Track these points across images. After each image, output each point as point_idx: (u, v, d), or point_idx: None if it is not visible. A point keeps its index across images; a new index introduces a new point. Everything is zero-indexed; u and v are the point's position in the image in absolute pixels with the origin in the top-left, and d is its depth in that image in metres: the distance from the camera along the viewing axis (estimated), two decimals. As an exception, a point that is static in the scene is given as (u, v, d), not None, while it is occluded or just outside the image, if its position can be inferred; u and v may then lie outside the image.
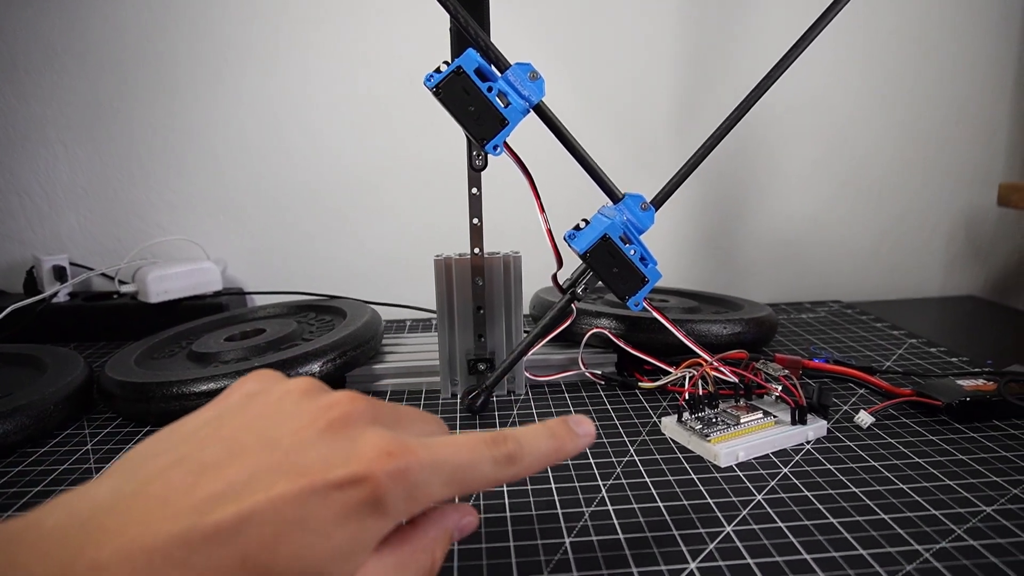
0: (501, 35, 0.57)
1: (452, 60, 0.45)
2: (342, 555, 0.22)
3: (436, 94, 0.39)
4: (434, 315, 0.55)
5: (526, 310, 0.69)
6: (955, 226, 0.83)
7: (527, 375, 0.54)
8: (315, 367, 0.50)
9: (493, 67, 0.41)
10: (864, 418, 0.46)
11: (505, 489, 0.39)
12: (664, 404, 0.51)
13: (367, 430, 0.24)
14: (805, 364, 0.51)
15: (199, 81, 0.73)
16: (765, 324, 0.59)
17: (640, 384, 0.53)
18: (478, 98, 0.39)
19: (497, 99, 0.40)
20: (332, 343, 0.52)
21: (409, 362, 0.56)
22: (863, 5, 0.75)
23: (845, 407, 0.49)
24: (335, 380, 0.53)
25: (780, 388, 0.45)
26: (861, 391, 0.51)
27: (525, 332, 0.52)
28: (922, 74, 0.78)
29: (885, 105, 0.79)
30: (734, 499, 0.37)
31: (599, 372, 0.55)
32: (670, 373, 0.51)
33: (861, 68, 0.78)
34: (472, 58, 0.39)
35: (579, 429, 0.28)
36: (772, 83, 0.47)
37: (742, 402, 0.46)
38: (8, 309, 0.61)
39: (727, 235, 0.81)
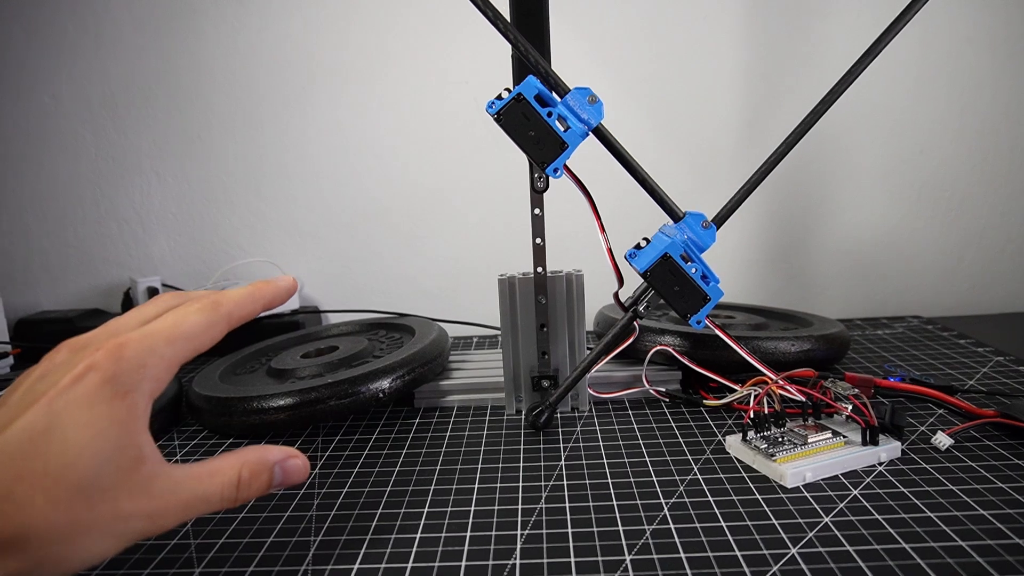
0: (563, 55, 0.59)
1: (514, 86, 0.46)
2: (110, 437, 0.25)
3: (498, 120, 0.41)
4: (499, 332, 0.56)
5: (590, 327, 0.69)
6: (1046, 236, 0.79)
7: (591, 392, 0.55)
8: (384, 383, 0.52)
9: (553, 92, 0.42)
10: (942, 440, 0.44)
11: (567, 505, 0.39)
12: (729, 422, 0.50)
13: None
14: (877, 383, 0.50)
15: (275, 111, 0.78)
16: (836, 341, 0.58)
17: (705, 402, 0.53)
18: (538, 123, 0.40)
19: (557, 123, 0.41)
20: (400, 360, 0.54)
21: (475, 378, 0.57)
22: (937, 14, 0.72)
23: (922, 428, 0.47)
24: (404, 396, 0.55)
25: (850, 407, 0.44)
26: (940, 411, 0.49)
27: (588, 349, 0.53)
28: (1001, 82, 0.75)
29: (963, 114, 0.76)
30: (800, 520, 0.37)
31: (663, 389, 0.55)
32: (736, 391, 0.51)
33: (935, 77, 0.75)
34: (532, 85, 0.40)
35: (276, 281, 0.32)
36: (836, 99, 0.47)
37: (810, 421, 0.45)
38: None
39: (797, 249, 0.80)
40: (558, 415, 0.53)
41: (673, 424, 0.50)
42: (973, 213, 0.78)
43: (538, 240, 0.51)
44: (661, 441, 0.48)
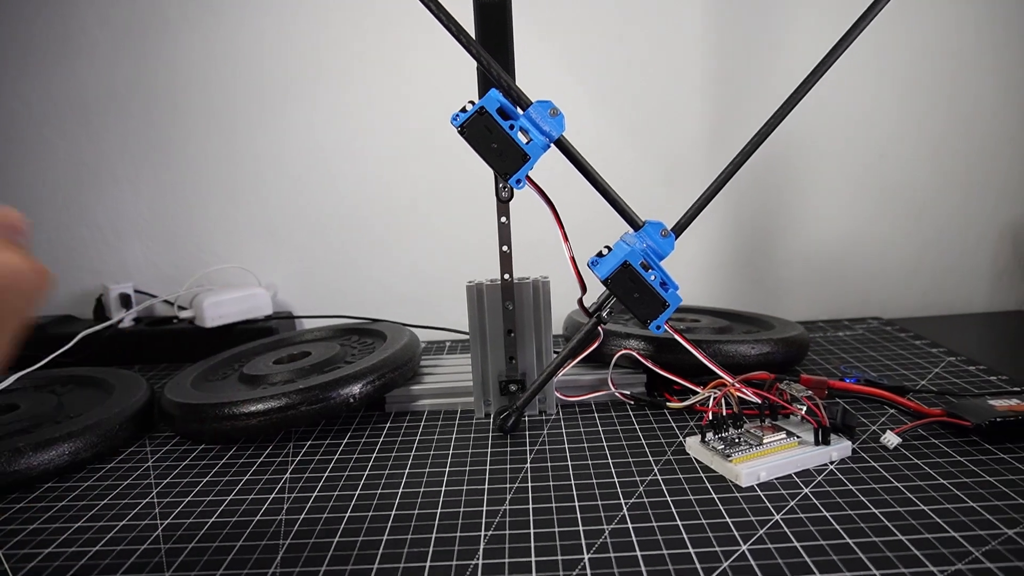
0: (531, 63, 0.60)
1: (478, 99, 0.48)
2: None
3: (461, 133, 0.42)
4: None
5: (559, 331, 0.71)
6: (1002, 240, 0.81)
7: (558, 395, 0.56)
8: (355, 389, 0.53)
9: (516, 106, 0.43)
10: (890, 439, 0.46)
11: (531, 506, 0.41)
12: (691, 424, 0.52)
13: None
14: (831, 384, 0.52)
15: (247, 116, 0.78)
16: (795, 343, 0.59)
17: (668, 404, 0.54)
18: (500, 136, 0.42)
19: (519, 136, 0.42)
20: (371, 366, 0.55)
21: (444, 383, 0.59)
22: (896, 22, 0.75)
23: (873, 427, 0.49)
24: (375, 400, 0.56)
25: (804, 409, 0.46)
26: (891, 411, 0.51)
27: (555, 353, 0.54)
28: (958, 89, 0.77)
29: (922, 120, 0.78)
30: (752, 518, 0.38)
31: (628, 392, 0.56)
32: (697, 393, 0.52)
33: (894, 84, 0.78)
34: (494, 98, 0.42)
35: None
36: (794, 105, 0.48)
37: (767, 422, 0.47)
38: (79, 336, 0.66)
39: (762, 252, 0.82)
40: (526, 418, 0.55)
41: (637, 426, 0.52)
42: (932, 217, 0.81)
43: (504, 248, 0.52)
44: (624, 443, 0.49)
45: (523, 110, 0.43)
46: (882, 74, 0.77)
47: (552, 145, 0.44)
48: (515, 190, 0.46)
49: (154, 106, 0.78)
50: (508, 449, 0.49)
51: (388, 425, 0.55)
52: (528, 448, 0.49)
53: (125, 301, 0.76)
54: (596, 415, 0.55)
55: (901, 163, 0.79)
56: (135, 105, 0.78)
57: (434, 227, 0.80)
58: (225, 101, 0.78)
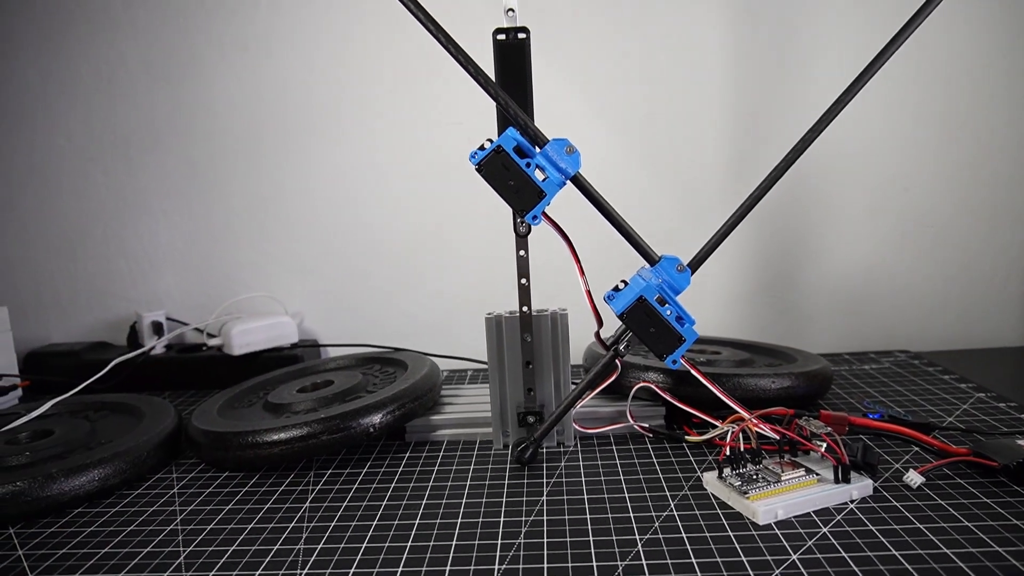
0: (546, 91, 0.61)
1: (497, 136, 0.49)
2: None
3: (479, 171, 0.43)
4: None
5: (577, 361, 0.71)
6: (1033, 272, 0.80)
7: (576, 427, 0.56)
8: (376, 418, 0.54)
9: (533, 144, 0.44)
10: (913, 478, 0.45)
11: (545, 540, 0.41)
12: (710, 458, 0.51)
13: None
14: (852, 421, 0.51)
15: (275, 150, 0.81)
16: (817, 377, 0.59)
17: (687, 438, 0.54)
18: (517, 173, 0.43)
19: (536, 173, 0.43)
20: (391, 396, 0.56)
21: (464, 414, 0.59)
22: (919, 50, 0.75)
23: (896, 465, 0.48)
24: (395, 430, 0.56)
25: (824, 446, 0.45)
26: (915, 449, 0.51)
27: (574, 385, 0.54)
28: (981, 118, 0.77)
29: (947, 149, 0.78)
30: (768, 558, 0.38)
31: (647, 425, 0.56)
32: (717, 427, 0.52)
33: (919, 113, 0.77)
34: (510, 137, 0.43)
35: None
36: (812, 140, 0.49)
37: (786, 458, 0.47)
38: (113, 363, 0.68)
39: (785, 284, 0.81)
40: (544, 450, 0.55)
41: (655, 460, 0.52)
42: (958, 247, 0.80)
43: (523, 280, 0.53)
44: (641, 477, 0.49)
45: (540, 148, 0.44)
46: (905, 103, 0.77)
47: (568, 182, 0.45)
48: (532, 225, 0.47)
49: (189, 141, 0.81)
50: (525, 481, 0.49)
51: (408, 455, 0.55)
52: (545, 480, 0.49)
53: (157, 329, 0.78)
54: (614, 447, 0.55)
55: (926, 193, 0.79)
56: (172, 140, 0.81)
57: (456, 257, 0.82)
58: (255, 135, 0.81)
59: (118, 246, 0.83)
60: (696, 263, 0.49)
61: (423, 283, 0.82)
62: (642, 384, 0.56)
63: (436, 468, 0.52)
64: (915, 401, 0.61)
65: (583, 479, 0.49)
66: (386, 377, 0.65)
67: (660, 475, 0.49)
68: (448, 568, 0.38)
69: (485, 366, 0.79)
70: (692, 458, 0.52)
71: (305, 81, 0.79)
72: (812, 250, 0.81)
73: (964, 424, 0.55)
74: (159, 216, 0.83)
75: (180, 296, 0.84)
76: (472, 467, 0.52)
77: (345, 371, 0.68)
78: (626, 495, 0.46)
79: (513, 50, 0.49)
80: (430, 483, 0.50)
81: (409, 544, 0.41)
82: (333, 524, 0.44)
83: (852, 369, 0.72)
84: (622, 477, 0.49)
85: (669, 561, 0.38)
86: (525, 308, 0.54)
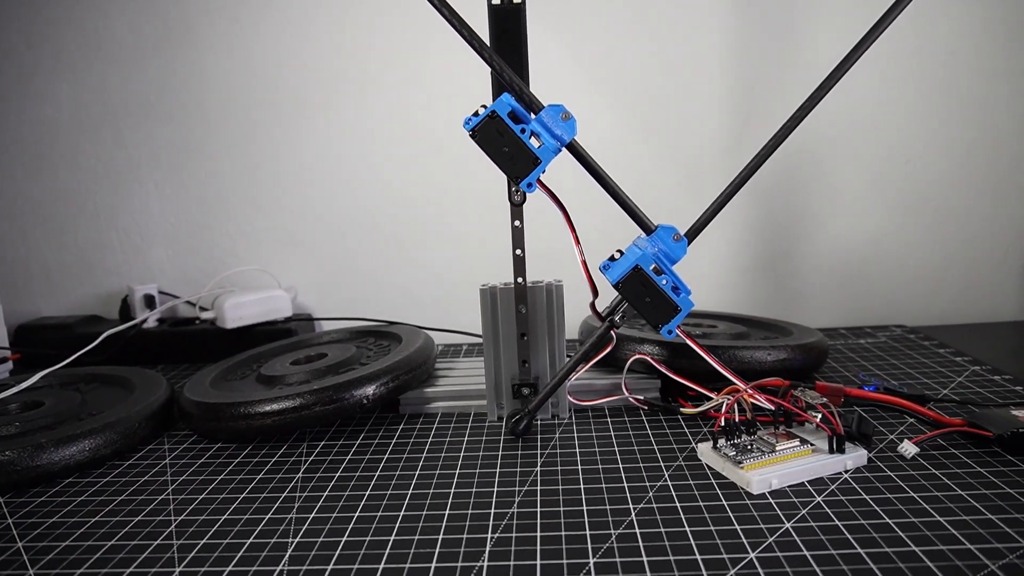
0: (543, 62, 0.60)
1: (491, 103, 0.48)
2: None
3: (472, 136, 0.42)
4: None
5: (573, 335, 0.71)
6: (1031, 247, 0.80)
7: (571, 399, 0.56)
8: (369, 390, 0.53)
9: (528, 110, 0.43)
10: (907, 448, 0.45)
11: (538, 510, 0.41)
12: (704, 430, 0.51)
13: None
14: (847, 392, 0.51)
15: (269, 123, 0.79)
16: (813, 350, 0.59)
17: (682, 410, 0.54)
18: (511, 140, 0.42)
19: (531, 140, 0.42)
20: (386, 367, 0.55)
21: (458, 386, 0.59)
22: (925, 23, 0.74)
23: (891, 436, 0.48)
24: (389, 402, 0.56)
25: (819, 417, 0.45)
26: (910, 420, 0.50)
27: (569, 357, 0.54)
28: (988, 93, 0.76)
29: (950, 125, 0.77)
30: (762, 526, 0.38)
31: (642, 397, 0.56)
32: (712, 399, 0.52)
33: (923, 86, 0.76)
34: (505, 103, 0.42)
35: None
36: (809, 110, 0.48)
37: (780, 429, 0.46)
38: (103, 335, 0.67)
39: (783, 257, 0.81)
40: (538, 422, 0.55)
41: (649, 432, 0.52)
42: (959, 223, 0.79)
43: (518, 251, 0.53)
44: (636, 448, 0.49)
45: (535, 114, 0.43)
46: (909, 77, 0.76)
47: (564, 149, 0.44)
48: (527, 194, 0.46)
49: (180, 113, 0.80)
50: (519, 452, 0.49)
51: (401, 427, 0.55)
52: (539, 452, 0.49)
53: (149, 302, 0.78)
54: (609, 420, 0.54)
55: (928, 168, 0.78)
56: (162, 112, 0.80)
57: (450, 230, 0.81)
58: (247, 108, 0.79)
59: (109, 219, 0.82)
60: (693, 232, 0.48)
61: (416, 257, 0.82)
62: (638, 356, 0.56)
63: (430, 440, 0.52)
64: (910, 374, 0.61)
65: (577, 450, 0.49)
66: (380, 350, 0.64)
67: (655, 447, 0.49)
68: (440, 536, 0.38)
69: (480, 340, 0.79)
70: (687, 430, 0.51)
71: (297, 53, 0.78)
72: (811, 224, 0.80)
73: (959, 396, 0.55)
74: (151, 188, 0.81)
75: (172, 270, 0.83)
76: (466, 439, 0.52)
77: (339, 344, 0.67)
78: (620, 466, 0.46)
79: (509, 14, 0.47)
80: (423, 454, 0.50)
81: (402, 513, 0.41)
82: (325, 494, 0.44)
83: (848, 343, 0.72)
84: (616, 449, 0.49)
85: (663, 530, 0.38)
86: (520, 279, 0.53)
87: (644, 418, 0.54)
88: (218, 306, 0.74)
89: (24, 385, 0.56)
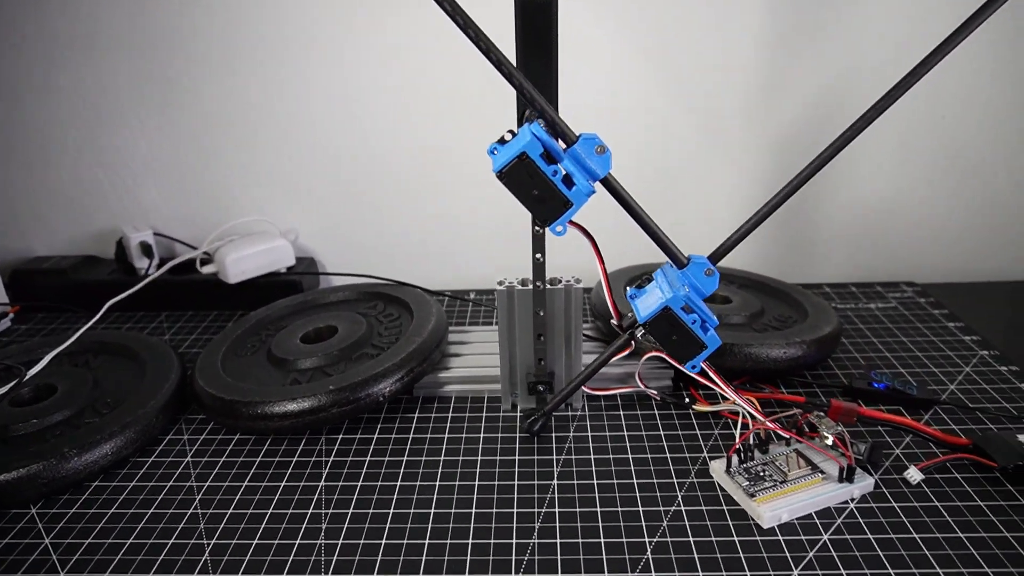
0: (573, 22, 0.54)
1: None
2: None
3: (500, 178, 0.39)
4: (497, 298, 0.57)
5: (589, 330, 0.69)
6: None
7: (584, 389, 0.56)
8: (386, 387, 0.53)
9: (557, 139, 0.40)
10: (913, 474, 0.46)
11: (558, 542, 0.42)
12: (716, 432, 0.52)
13: None
14: (861, 412, 0.51)
15: (265, 57, 0.72)
16: (826, 343, 0.59)
17: (695, 406, 0.55)
18: (542, 182, 0.39)
19: (562, 183, 0.39)
20: (400, 360, 0.55)
21: (472, 370, 0.59)
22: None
23: (897, 451, 0.49)
24: (405, 393, 0.57)
25: (835, 452, 0.46)
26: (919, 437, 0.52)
27: (584, 339, 0.54)
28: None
29: (989, 81, 0.72)
30: (771, 573, 0.40)
31: (655, 391, 0.56)
32: (727, 396, 0.52)
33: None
34: (536, 141, 0.38)
35: None
36: (859, 132, 0.44)
37: (792, 448, 0.48)
38: (106, 306, 0.66)
39: (802, 210, 0.78)
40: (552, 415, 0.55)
41: (662, 432, 0.53)
42: (983, 181, 0.76)
43: (538, 256, 0.51)
44: (649, 457, 0.50)
45: (567, 145, 0.40)
46: (948, 31, 0.69)
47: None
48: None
49: (163, 43, 0.72)
50: (535, 446, 0.52)
51: (417, 414, 0.56)
52: (555, 458, 0.50)
53: (146, 250, 0.75)
54: (622, 412, 0.55)
55: (962, 125, 0.74)
56: (143, 40, 0.72)
57: (459, 180, 0.77)
58: (241, 41, 0.72)
59: (94, 156, 0.77)
60: (717, 256, 0.47)
61: (425, 206, 0.78)
62: (653, 353, 0.56)
63: (447, 435, 0.53)
64: (919, 359, 0.62)
65: (592, 456, 0.50)
66: (391, 324, 0.63)
67: (668, 455, 0.50)
68: (470, 541, 0.40)
69: (490, 294, 0.78)
70: (698, 432, 0.52)
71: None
72: (834, 176, 0.77)
73: (966, 395, 0.56)
74: (135, 125, 0.76)
75: (166, 208, 0.80)
76: (482, 434, 0.53)
77: (347, 311, 0.66)
78: (635, 482, 0.47)
79: (538, 10, 0.42)
80: (443, 447, 0.52)
81: (432, 511, 0.43)
82: (359, 484, 0.47)
83: (857, 308, 0.72)
84: (631, 457, 0.50)
85: (677, 573, 0.40)
86: (539, 284, 0.51)
87: (656, 412, 0.55)
88: (220, 260, 0.72)
89: (35, 371, 0.56)
